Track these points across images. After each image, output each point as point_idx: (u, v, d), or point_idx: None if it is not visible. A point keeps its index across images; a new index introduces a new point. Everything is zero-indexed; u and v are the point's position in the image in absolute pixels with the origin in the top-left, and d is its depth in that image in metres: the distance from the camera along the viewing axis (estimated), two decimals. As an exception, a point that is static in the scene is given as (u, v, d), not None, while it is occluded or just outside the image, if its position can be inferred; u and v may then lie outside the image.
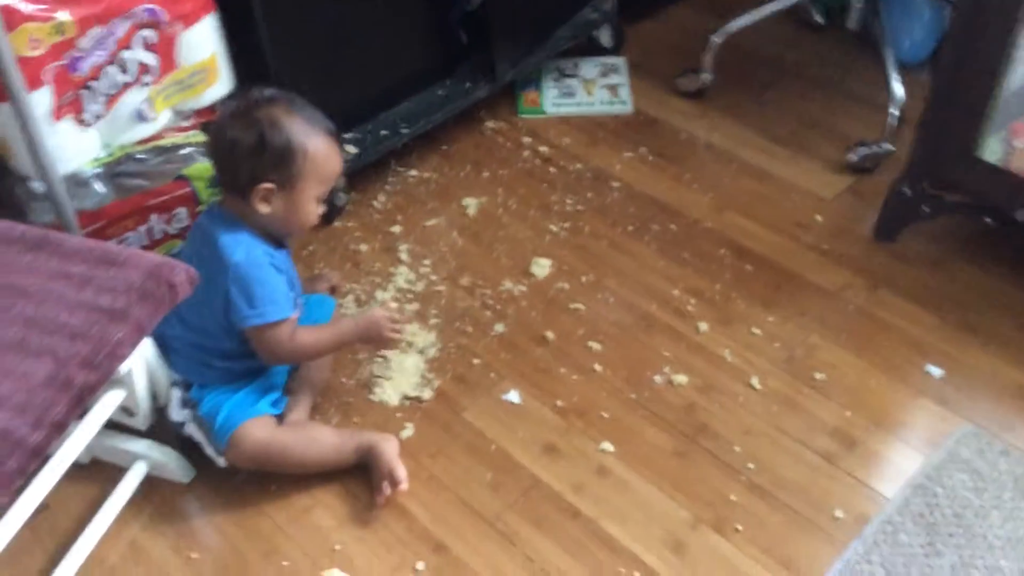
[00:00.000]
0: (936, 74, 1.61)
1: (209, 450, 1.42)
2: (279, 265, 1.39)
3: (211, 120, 1.64)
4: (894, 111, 1.90)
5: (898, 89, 1.92)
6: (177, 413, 1.42)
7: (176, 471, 1.45)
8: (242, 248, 1.35)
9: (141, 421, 1.38)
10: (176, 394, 1.42)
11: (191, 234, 1.46)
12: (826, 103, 2.08)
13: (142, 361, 1.33)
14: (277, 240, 1.42)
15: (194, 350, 1.42)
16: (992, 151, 1.57)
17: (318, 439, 1.43)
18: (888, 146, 1.90)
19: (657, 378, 1.57)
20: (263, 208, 1.35)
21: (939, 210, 1.71)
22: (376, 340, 1.46)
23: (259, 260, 1.35)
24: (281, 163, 1.33)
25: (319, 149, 1.35)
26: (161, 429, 1.45)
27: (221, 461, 1.42)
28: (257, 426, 1.39)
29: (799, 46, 2.23)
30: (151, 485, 1.45)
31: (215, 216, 1.39)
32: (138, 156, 1.60)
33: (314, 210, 1.39)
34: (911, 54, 2.12)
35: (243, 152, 1.32)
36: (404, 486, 1.40)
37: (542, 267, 1.76)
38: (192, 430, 1.42)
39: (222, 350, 1.41)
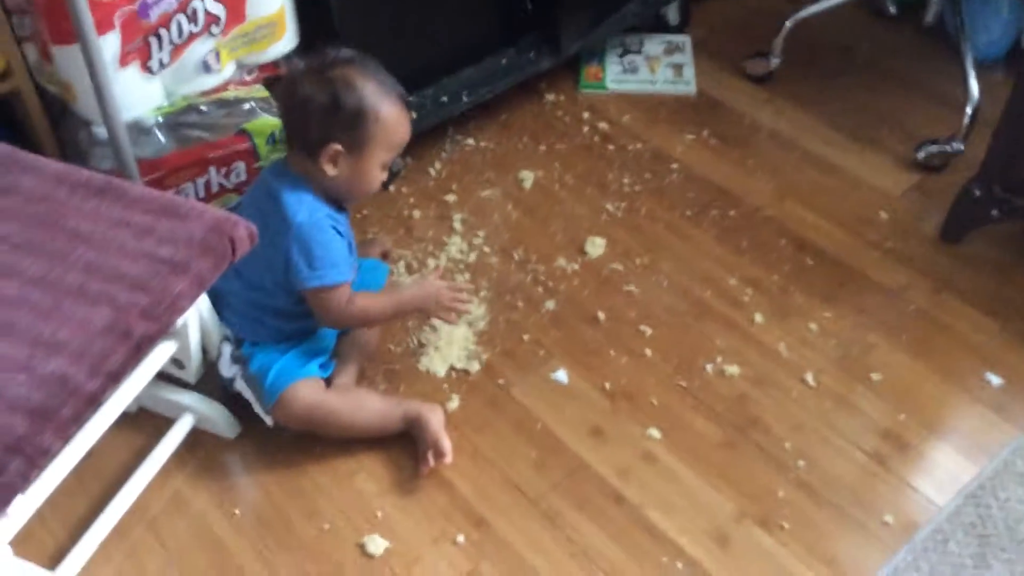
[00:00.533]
0: (1020, 76, 1.55)
1: (257, 408, 1.42)
2: (340, 228, 1.37)
3: (279, 75, 1.63)
4: (968, 109, 1.85)
5: (974, 87, 1.86)
6: (227, 369, 1.42)
7: (223, 426, 1.45)
8: (305, 208, 1.33)
9: (191, 374, 1.38)
10: (227, 350, 1.42)
11: (253, 188, 1.45)
12: (896, 97, 2.03)
13: (196, 314, 1.33)
14: (338, 203, 1.40)
15: (248, 306, 1.41)
16: (1073, 158, 1.52)
17: (365, 405, 1.43)
18: (958, 145, 1.85)
19: (709, 367, 1.54)
20: (330, 170, 1.34)
21: (1009, 214, 1.66)
22: (435, 312, 1.44)
23: (321, 222, 1.34)
24: (352, 125, 1.31)
25: (390, 114, 1.33)
26: (209, 383, 1.45)
27: (269, 420, 1.41)
28: (306, 388, 1.39)
29: (871, 36, 2.17)
30: (196, 438, 1.45)
31: (279, 173, 1.38)
32: (201, 107, 1.59)
33: (379, 176, 1.38)
34: (986, 52, 2.05)
35: (315, 110, 1.30)
36: (448, 458, 1.39)
37: (596, 246, 1.74)
38: (241, 387, 1.42)
39: (276, 307, 1.40)
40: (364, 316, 1.41)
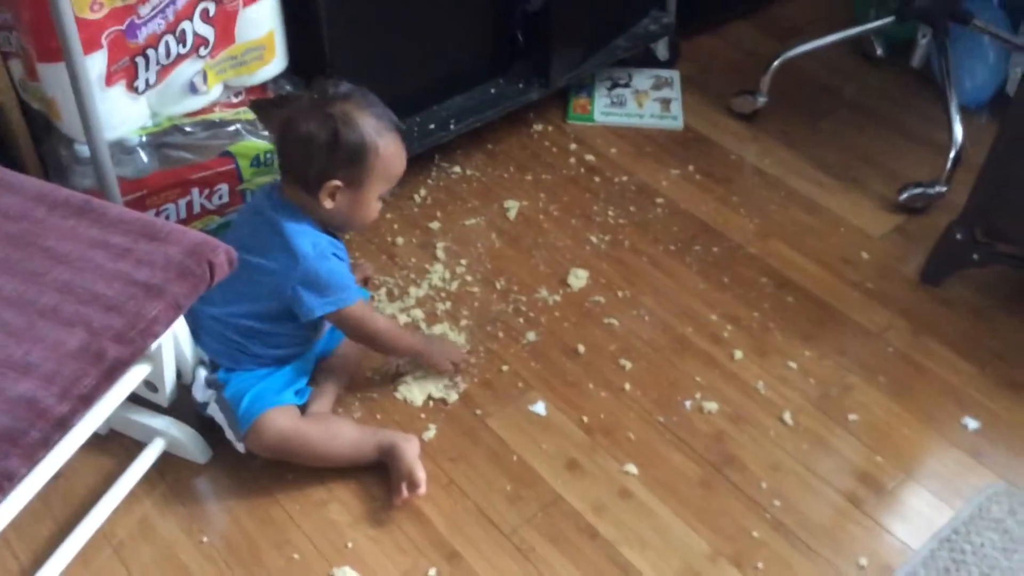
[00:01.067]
0: (1004, 123, 1.57)
1: (229, 434, 1.40)
2: (340, 255, 1.39)
3: (267, 97, 1.62)
4: (951, 153, 1.86)
5: (958, 131, 1.87)
6: (201, 393, 1.41)
7: (194, 451, 1.43)
8: (308, 239, 1.35)
9: (165, 398, 1.37)
10: (202, 374, 1.41)
11: (247, 214, 1.46)
12: (881, 138, 2.04)
13: (172, 338, 1.31)
14: (332, 233, 1.41)
15: (233, 332, 1.40)
16: (1053, 205, 1.54)
17: (340, 434, 1.41)
18: (941, 188, 1.86)
19: (687, 403, 1.54)
20: (327, 204, 1.35)
21: (989, 259, 1.67)
22: (438, 362, 1.53)
23: (325, 251, 1.36)
24: (352, 162, 1.33)
25: (389, 148, 1.35)
26: (183, 407, 1.43)
27: (240, 447, 1.40)
28: (280, 415, 1.38)
29: (858, 78, 2.19)
30: (166, 463, 1.43)
31: (277, 204, 1.38)
32: (186, 128, 1.59)
33: (376, 207, 1.40)
34: (971, 96, 2.08)
35: (316, 148, 1.31)
36: (422, 490, 1.38)
37: (579, 278, 1.73)
38: (214, 412, 1.40)
39: (272, 332, 1.40)
40: (379, 337, 1.45)
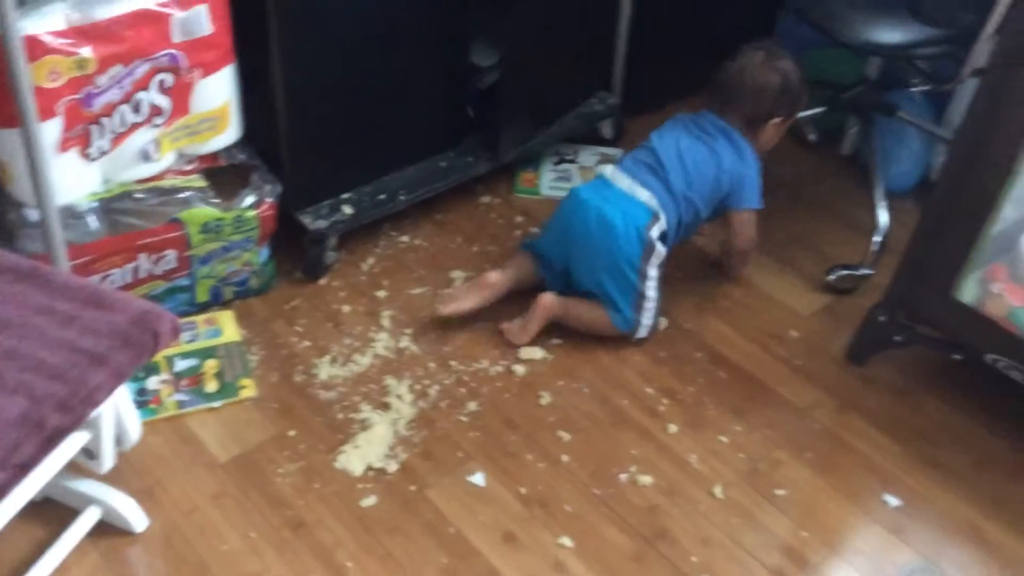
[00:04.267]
0: (924, 211, 1.66)
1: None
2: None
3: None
4: (877, 238, 1.96)
5: (883, 217, 1.97)
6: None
7: (129, 520, 1.43)
8: (749, 150, 1.83)
9: (102, 465, 1.36)
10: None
11: (685, 121, 1.87)
12: (812, 220, 2.13)
13: (112, 407, 1.32)
14: None
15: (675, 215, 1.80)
16: (969, 292, 1.62)
17: None
18: (867, 271, 1.95)
19: (623, 476, 1.58)
20: (762, 135, 1.86)
21: (911, 340, 1.75)
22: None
23: (756, 162, 1.84)
24: (792, 102, 1.86)
25: (804, 89, 1.87)
26: (119, 474, 1.43)
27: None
28: None
29: (792, 161, 2.29)
30: (100, 530, 1.43)
31: (725, 127, 1.82)
32: (136, 195, 1.61)
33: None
34: (897, 182, 2.18)
35: (769, 94, 1.82)
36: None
37: (521, 350, 1.77)
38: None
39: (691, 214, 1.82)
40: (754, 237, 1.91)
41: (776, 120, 1.85)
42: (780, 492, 1.58)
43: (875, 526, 1.54)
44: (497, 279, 1.79)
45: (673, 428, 1.66)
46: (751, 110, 1.83)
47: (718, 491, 1.57)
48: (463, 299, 1.78)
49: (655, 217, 1.75)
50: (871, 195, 2.03)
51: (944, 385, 1.77)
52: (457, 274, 1.93)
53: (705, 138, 1.82)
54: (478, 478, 1.56)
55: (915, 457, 1.65)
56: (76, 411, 1.15)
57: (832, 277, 1.96)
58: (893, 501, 1.58)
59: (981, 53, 1.74)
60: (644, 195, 1.75)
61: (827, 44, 2.30)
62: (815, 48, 2.36)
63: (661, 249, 1.77)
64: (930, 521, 1.56)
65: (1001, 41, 1.54)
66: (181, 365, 1.67)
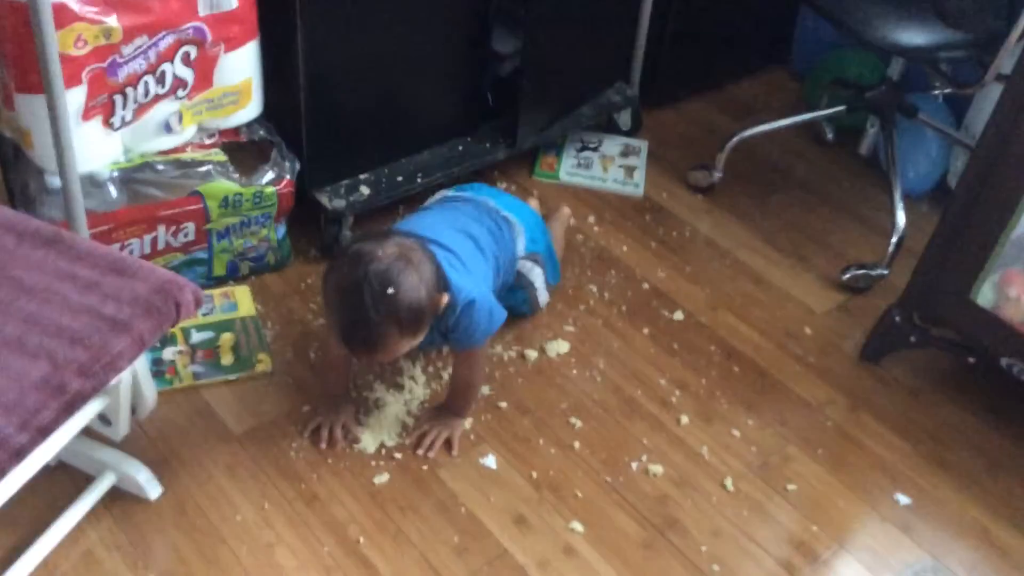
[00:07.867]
0: (944, 214, 1.66)
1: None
2: None
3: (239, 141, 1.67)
4: (894, 238, 1.96)
5: (901, 218, 1.97)
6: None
7: (143, 487, 1.43)
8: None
9: (118, 432, 1.37)
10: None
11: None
12: (828, 219, 2.14)
13: (131, 374, 1.32)
14: None
15: None
16: (985, 296, 1.62)
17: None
18: (882, 271, 1.95)
19: (634, 464, 1.58)
20: None
21: (926, 342, 1.75)
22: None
23: None
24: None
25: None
26: (135, 441, 1.43)
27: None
28: None
29: (809, 160, 2.29)
30: (113, 496, 1.43)
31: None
32: (157, 166, 1.61)
33: None
34: (914, 185, 2.19)
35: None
36: None
37: (535, 335, 1.77)
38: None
39: None
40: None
41: None
42: (791, 487, 1.58)
43: (885, 523, 1.55)
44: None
45: (685, 419, 1.66)
46: None
47: (729, 483, 1.57)
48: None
49: None
50: (888, 196, 2.02)
51: (957, 388, 1.77)
52: (472, 259, 1.92)
53: None
54: (490, 461, 1.56)
55: (926, 457, 1.65)
56: (98, 376, 1.14)
57: (847, 276, 1.96)
58: (903, 500, 1.58)
59: (1006, 59, 1.74)
60: None
61: (848, 43, 2.31)
62: (836, 47, 2.36)
63: None
64: (939, 521, 1.56)
65: (1028, 46, 1.54)
66: (197, 337, 1.66)
